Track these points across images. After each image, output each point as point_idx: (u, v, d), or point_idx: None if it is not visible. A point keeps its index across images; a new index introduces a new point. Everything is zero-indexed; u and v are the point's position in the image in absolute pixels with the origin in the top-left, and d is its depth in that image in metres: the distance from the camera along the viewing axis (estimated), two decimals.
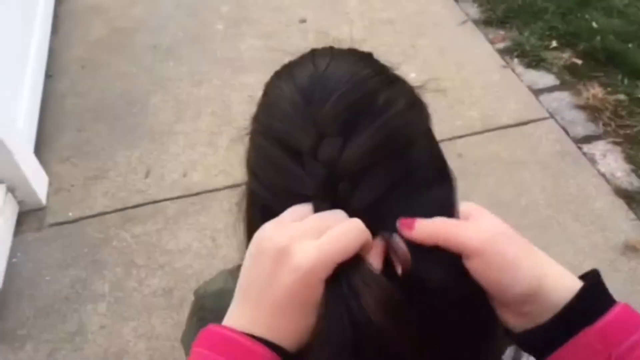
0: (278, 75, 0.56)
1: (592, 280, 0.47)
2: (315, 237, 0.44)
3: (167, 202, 2.32)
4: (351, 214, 0.46)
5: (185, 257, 2.12)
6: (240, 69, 2.94)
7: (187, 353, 0.83)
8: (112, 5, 3.49)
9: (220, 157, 2.48)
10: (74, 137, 2.63)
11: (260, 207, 0.53)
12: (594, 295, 0.46)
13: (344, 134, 0.47)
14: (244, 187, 0.58)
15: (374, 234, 0.47)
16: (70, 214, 2.29)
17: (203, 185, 2.37)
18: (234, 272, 0.76)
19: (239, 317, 0.45)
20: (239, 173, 2.15)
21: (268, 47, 3.08)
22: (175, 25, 3.29)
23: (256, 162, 0.53)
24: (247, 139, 0.56)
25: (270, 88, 0.55)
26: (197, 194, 2.35)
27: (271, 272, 0.44)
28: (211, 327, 0.45)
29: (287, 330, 0.44)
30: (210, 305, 0.74)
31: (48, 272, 2.10)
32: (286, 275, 0.43)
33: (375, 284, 0.44)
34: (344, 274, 0.44)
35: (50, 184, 2.39)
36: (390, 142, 0.48)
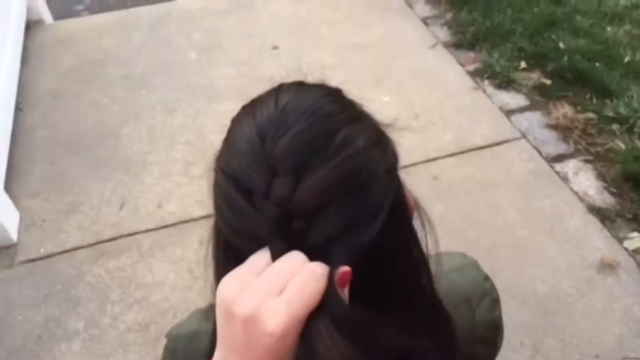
0: (243, 111, 0.55)
1: None
2: (278, 293, 0.43)
3: (142, 235, 2.28)
4: (307, 252, 0.45)
5: (161, 291, 2.08)
6: (214, 97, 2.94)
7: None
8: (82, 36, 3.47)
9: (195, 187, 2.46)
10: (46, 171, 2.58)
11: (223, 244, 0.53)
12: None
13: (296, 173, 0.46)
14: (212, 222, 0.57)
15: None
16: (42, 249, 2.24)
17: (178, 216, 2.35)
18: (208, 312, 0.75)
19: None
20: None
21: (241, 74, 3.09)
22: (147, 54, 3.28)
23: (215, 200, 0.53)
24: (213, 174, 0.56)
25: (233, 124, 0.55)
26: (173, 225, 2.32)
27: (245, 338, 0.43)
28: None
29: None
30: (182, 349, 0.73)
31: (20, 312, 2.04)
32: (261, 339, 0.42)
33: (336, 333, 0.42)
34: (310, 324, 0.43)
35: (21, 219, 2.34)
36: (345, 181, 0.47)
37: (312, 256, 0.45)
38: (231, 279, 0.45)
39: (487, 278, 0.81)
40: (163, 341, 1.98)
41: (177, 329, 0.75)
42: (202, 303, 2.13)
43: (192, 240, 2.25)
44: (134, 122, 2.83)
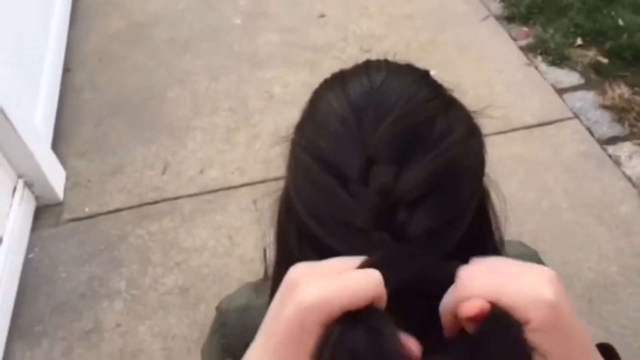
0: (328, 86, 0.51)
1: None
2: (329, 278, 0.40)
3: (184, 199, 2.30)
4: (406, 244, 0.43)
5: (201, 256, 2.10)
6: (258, 64, 2.91)
7: None
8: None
9: (237, 154, 2.45)
10: (92, 132, 2.62)
11: (298, 226, 0.48)
12: None
13: (398, 160, 0.44)
14: (278, 193, 0.54)
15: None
16: (86, 209, 2.28)
17: (220, 182, 2.35)
18: (259, 287, 0.73)
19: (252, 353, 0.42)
20: (255, 171, 2.13)
21: (286, 42, 3.05)
22: (193, 18, 3.27)
23: (298, 181, 0.48)
24: (286, 147, 0.52)
25: (319, 100, 0.51)
26: (214, 191, 2.33)
27: (280, 304, 0.40)
28: None
29: None
30: (232, 323, 0.72)
31: (64, 269, 2.09)
32: (289, 307, 0.39)
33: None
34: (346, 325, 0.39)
35: (67, 179, 2.38)
36: (445, 170, 0.45)
37: (410, 249, 0.43)
38: (304, 266, 0.42)
39: (536, 254, 0.78)
40: (202, 306, 2.01)
41: (228, 303, 0.75)
42: (242, 270, 2.14)
43: (232, 208, 2.26)
44: (179, 86, 2.83)
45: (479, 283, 0.40)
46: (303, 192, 0.47)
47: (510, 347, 0.38)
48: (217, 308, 0.75)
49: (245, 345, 0.63)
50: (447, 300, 0.41)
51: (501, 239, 0.55)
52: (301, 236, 0.48)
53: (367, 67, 0.51)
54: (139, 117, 2.67)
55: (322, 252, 0.44)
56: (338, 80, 0.51)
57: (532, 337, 0.38)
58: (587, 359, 0.41)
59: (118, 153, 2.50)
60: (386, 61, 0.53)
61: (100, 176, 2.41)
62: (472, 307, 0.39)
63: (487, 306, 0.39)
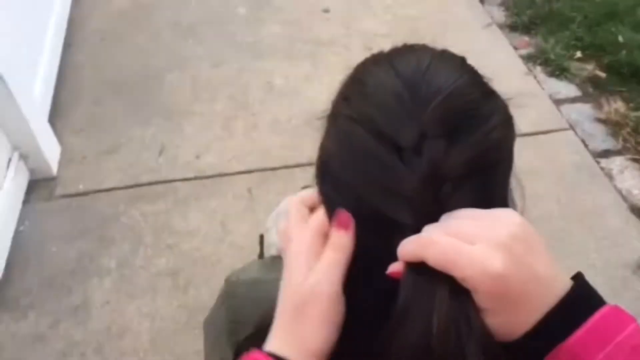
0: (376, 63, 0.53)
1: (572, 292, 0.45)
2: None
3: (179, 183, 2.30)
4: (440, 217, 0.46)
5: (193, 240, 2.10)
6: (260, 55, 2.91)
7: (207, 338, 0.82)
8: None
9: (234, 142, 2.46)
10: (89, 109, 2.60)
11: (344, 195, 0.51)
12: (572, 308, 0.45)
13: (449, 136, 0.46)
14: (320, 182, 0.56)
15: None
16: (80, 186, 2.27)
17: (216, 168, 2.35)
18: (269, 264, 0.74)
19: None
20: (252, 160, 2.14)
21: (289, 34, 3.05)
22: (197, 4, 3.26)
23: (345, 152, 0.50)
24: (322, 123, 0.55)
25: (367, 75, 0.53)
26: (210, 177, 2.33)
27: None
28: (253, 354, 0.47)
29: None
30: (243, 294, 0.73)
31: (55, 244, 2.08)
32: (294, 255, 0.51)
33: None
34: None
35: (62, 154, 2.37)
36: (488, 153, 0.48)
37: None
38: None
39: None
40: (191, 290, 2.01)
41: (237, 274, 0.75)
42: (233, 256, 2.14)
43: (227, 194, 2.26)
44: (179, 70, 2.83)
45: (432, 252, 0.43)
46: (351, 161, 0.49)
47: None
48: (227, 280, 0.76)
49: (256, 317, 0.65)
50: (401, 251, 0.45)
51: None
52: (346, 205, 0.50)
53: (412, 49, 0.54)
54: (138, 99, 2.66)
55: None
56: (385, 58, 0.53)
57: (478, 298, 0.42)
58: (535, 314, 0.44)
59: (115, 132, 2.49)
60: (426, 45, 0.56)
61: (95, 154, 2.40)
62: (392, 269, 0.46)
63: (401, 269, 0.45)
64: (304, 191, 0.55)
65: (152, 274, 2.00)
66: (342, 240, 0.48)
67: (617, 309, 0.45)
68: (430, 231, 0.45)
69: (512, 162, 0.53)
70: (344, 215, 0.49)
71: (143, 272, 2.00)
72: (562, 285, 0.45)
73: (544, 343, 0.44)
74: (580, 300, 0.45)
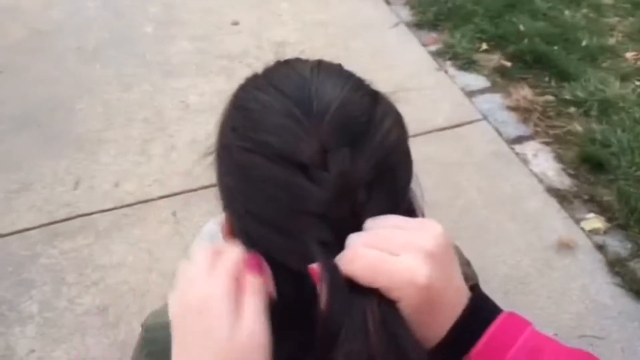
0: (254, 87, 0.52)
1: (471, 303, 0.47)
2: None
3: (98, 215, 2.20)
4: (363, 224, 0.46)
5: (120, 273, 2.02)
6: (171, 73, 2.85)
7: None
8: (29, 7, 3.30)
9: (154, 166, 2.38)
10: None
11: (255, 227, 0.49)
12: (473, 319, 0.46)
13: (350, 145, 0.46)
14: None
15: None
16: None
17: (136, 195, 2.27)
18: None
19: None
20: (174, 183, 2.07)
21: (200, 50, 3.00)
22: (100, 26, 3.15)
23: (246, 183, 0.48)
24: (211, 159, 0.53)
25: (250, 100, 0.51)
26: (131, 205, 2.24)
27: None
28: None
29: None
30: (163, 338, 0.69)
31: None
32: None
33: None
34: None
35: None
36: (390, 153, 0.48)
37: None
38: None
39: (468, 263, 0.80)
40: (122, 325, 1.92)
41: (154, 319, 0.72)
42: (163, 285, 2.06)
43: (151, 221, 2.19)
44: (88, 97, 2.72)
45: (359, 265, 0.43)
46: (254, 193, 0.47)
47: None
48: (144, 325, 0.72)
49: None
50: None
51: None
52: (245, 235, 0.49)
53: (288, 64, 0.53)
54: (47, 131, 2.54)
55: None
56: (265, 80, 0.52)
57: (402, 308, 0.43)
58: (446, 324, 0.45)
59: (24, 169, 2.37)
60: (300, 58, 0.55)
61: (4, 194, 2.27)
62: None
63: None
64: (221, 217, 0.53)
65: (78, 314, 1.90)
66: (258, 282, 0.46)
67: (512, 316, 0.47)
68: (354, 243, 0.44)
69: (410, 157, 0.53)
70: (253, 258, 0.46)
71: (68, 314, 1.90)
72: (467, 294, 0.47)
73: (451, 355, 0.45)
74: (479, 311, 0.46)
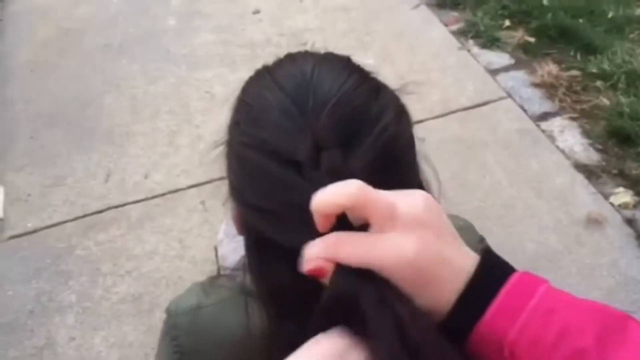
0: (257, 82, 0.53)
1: (480, 268, 0.45)
2: None
3: (130, 206, 2.26)
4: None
5: (152, 261, 2.08)
6: (196, 65, 2.89)
7: None
8: (57, 5, 3.38)
9: (181, 157, 2.43)
10: (28, 145, 2.54)
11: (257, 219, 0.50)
12: (483, 283, 0.44)
13: (343, 144, 0.46)
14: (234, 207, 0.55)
15: None
16: (29, 224, 2.22)
17: (166, 186, 2.33)
18: (207, 287, 0.74)
19: None
20: (201, 172, 2.12)
21: (223, 40, 3.03)
22: (125, 22, 3.21)
23: (245, 177, 0.50)
24: (222, 149, 0.55)
25: (251, 96, 0.52)
26: (161, 195, 2.30)
27: None
28: None
29: None
30: (184, 324, 0.72)
31: (10, 287, 2.03)
32: None
33: None
34: None
35: (6, 195, 2.31)
36: (386, 151, 0.48)
37: (359, 226, 0.44)
38: None
39: (482, 240, 0.81)
40: (157, 312, 1.98)
41: (177, 304, 0.74)
42: (194, 272, 2.12)
43: (180, 210, 2.24)
44: (116, 92, 2.78)
45: (344, 250, 0.42)
46: (252, 185, 0.49)
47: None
48: (167, 310, 0.75)
49: (198, 345, 0.64)
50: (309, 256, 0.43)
51: None
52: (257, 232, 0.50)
53: (293, 59, 0.54)
54: (77, 126, 2.61)
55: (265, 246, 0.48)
56: (266, 75, 0.53)
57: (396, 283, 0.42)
58: (450, 295, 0.44)
59: (57, 164, 2.44)
60: (308, 52, 0.55)
61: (40, 189, 2.34)
62: (310, 264, 0.43)
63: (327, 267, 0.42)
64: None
65: (114, 303, 1.97)
66: None
67: (526, 274, 0.45)
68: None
69: (414, 150, 0.53)
70: None
71: (105, 302, 1.97)
72: (473, 262, 0.45)
73: (465, 322, 0.44)
74: (489, 273, 0.45)
